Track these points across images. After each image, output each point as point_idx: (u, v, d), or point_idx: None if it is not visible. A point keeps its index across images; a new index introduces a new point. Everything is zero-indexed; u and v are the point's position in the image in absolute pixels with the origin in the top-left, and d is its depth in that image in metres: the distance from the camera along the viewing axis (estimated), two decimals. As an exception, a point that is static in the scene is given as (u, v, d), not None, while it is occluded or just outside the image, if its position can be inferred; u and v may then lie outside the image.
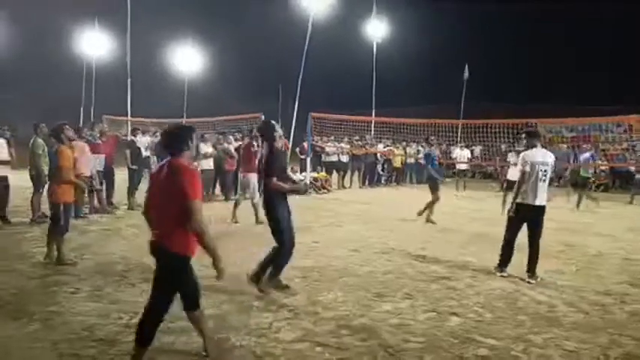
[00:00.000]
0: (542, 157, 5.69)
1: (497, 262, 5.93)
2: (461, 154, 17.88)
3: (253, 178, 8.64)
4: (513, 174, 11.26)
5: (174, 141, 3.19)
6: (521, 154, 5.88)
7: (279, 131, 4.99)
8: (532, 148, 5.77)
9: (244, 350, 3.62)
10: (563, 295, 5.13)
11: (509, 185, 11.13)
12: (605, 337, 4.06)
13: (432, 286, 5.32)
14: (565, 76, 30.91)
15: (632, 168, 16.50)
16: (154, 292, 3.26)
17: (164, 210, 3.13)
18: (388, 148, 17.85)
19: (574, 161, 15.86)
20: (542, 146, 5.92)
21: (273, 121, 5.30)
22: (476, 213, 10.98)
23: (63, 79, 26.53)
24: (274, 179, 4.73)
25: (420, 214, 9.43)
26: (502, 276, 5.78)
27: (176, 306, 3.34)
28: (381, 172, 17.70)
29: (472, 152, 19.21)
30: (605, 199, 12.66)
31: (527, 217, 5.68)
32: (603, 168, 18.13)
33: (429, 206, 9.39)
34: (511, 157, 12.60)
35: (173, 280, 3.22)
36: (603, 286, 5.51)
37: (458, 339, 3.94)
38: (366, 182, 17.02)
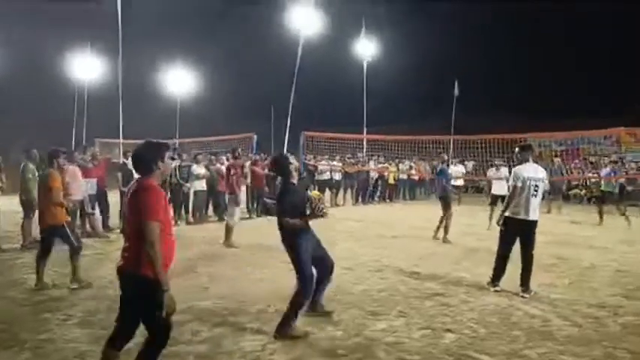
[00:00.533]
0: (534, 172, 5.73)
1: (491, 276, 5.94)
2: (455, 170, 17.91)
3: (232, 199, 8.83)
4: (497, 188, 11.42)
5: (142, 161, 3.05)
6: (513, 170, 5.93)
7: (294, 163, 4.66)
8: (524, 162, 5.81)
9: (238, 373, 3.59)
10: (556, 309, 5.14)
11: (494, 200, 11.27)
12: (600, 350, 4.07)
13: (426, 303, 5.32)
14: (554, 90, 31.43)
15: (622, 180, 16.66)
16: (121, 319, 3.11)
17: (131, 232, 3.01)
18: (382, 165, 17.93)
19: (568, 173, 16.09)
20: (534, 161, 5.97)
21: (286, 154, 5.11)
22: (468, 227, 11.00)
23: (55, 103, 26.55)
24: (287, 220, 4.37)
25: (435, 236, 9.35)
26: (495, 291, 5.79)
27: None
28: (374, 190, 17.73)
29: (465, 167, 19.31)
30: (595, 212, 12.73)
31: (519, 231, 5.72)
32: (594, 180, 18.28)
33: (442, 224, 9.33)
34: (490, 172, 12.76)
35: (140, 304, 3.00)
36: (597, 299, 5.53)
37: (453, 356, 3.93)
38: (359, 199, 17.05)
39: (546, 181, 5.82)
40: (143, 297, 2.93)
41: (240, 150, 10.25)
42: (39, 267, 5.81)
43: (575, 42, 31.68)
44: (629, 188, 14.89)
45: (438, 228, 9.42)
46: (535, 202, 5.66)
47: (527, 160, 5.80)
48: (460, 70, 23.27)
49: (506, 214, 5.76)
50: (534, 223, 5.69)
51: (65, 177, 8.55)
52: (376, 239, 9.36)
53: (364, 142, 19.51)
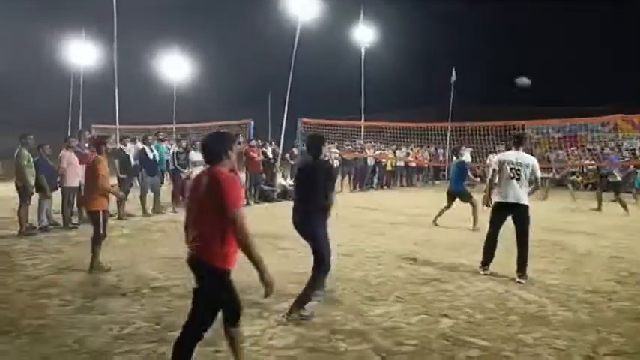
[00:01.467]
0: (515, 157, 5.87)
1: (481, 260, 6.04)
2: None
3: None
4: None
5: (212, 150, 3.03)
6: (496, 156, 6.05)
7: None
8: (509, 150, 6.03)
9: (237, 358, 3.62)
10: (551, 294, 5.19)
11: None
12: (594, 335, 4.12)
13: (423, 289, 5.36)
14: (553, 78, 31.38)
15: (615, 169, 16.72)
16: (194, 309, 3.04)
17: (203, 222, 2.96)
18: (381, 151, 17.93)
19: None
20: (526, 150, 6.10)
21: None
22: (465, 214, 11.05)
23: (50, 90, 26.35)
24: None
25: (435, 222, 9.52)
26: (485, 274, 5.91)
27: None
28: (371, 177, 17.75)
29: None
30: (592, 198, 12.79)
31: (505, 214, 5.88)
32: (590, 167, 18.34)
33: (442, 212, 9.53)
34: (490, 159, 12.88)
35: (214, 294, 3.01)
36: (591, 285, 5.58)
37: (449, 340, 3.97)
38: (357, 186, 17.08)
39: (536, 169, 5.89)
40: (215, 285, 2.97)
41: (240, 137, 10.20)
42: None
43: (574, 30, 31.64)
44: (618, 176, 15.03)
45: (439, 215, 9.54)
46: (516, 185, 5.76)
47: (513, 148, 6.00)
48: (458, 57, 23.15)
49: (494, 198, 5.97)
50: (520, 206, 5.77)
51: (62, 163, 8.58)
52: (374, 226, 9.39)
53: (362, 129, 19.49)
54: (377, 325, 4.27)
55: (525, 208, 5.79)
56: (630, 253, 7.21)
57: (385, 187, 18.08)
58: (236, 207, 2.86)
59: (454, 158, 9.97)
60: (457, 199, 9.48)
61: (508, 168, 5.80)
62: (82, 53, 21.40)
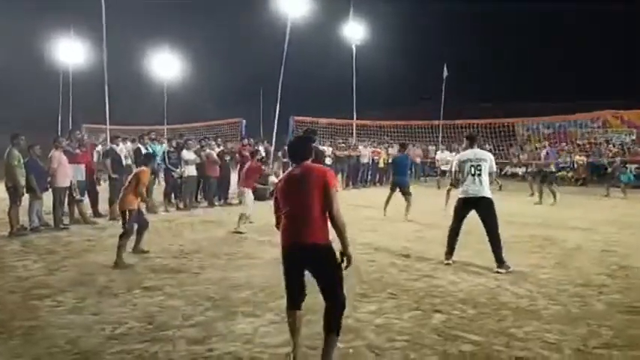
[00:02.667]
0: (473, 155, 6.28)
1: (445, 251, 6.34)
2: (442, 157, 17.88)
3: (249, 192, 8.82)
4: None
5: (302, 150, 3.61)
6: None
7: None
8: (467, 149, 6.48)
9: (231, 357, 3.62)
10: (543, 289, 5.24)
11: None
12: (584, 328, 4.17)
13: (416, 285, 5.38)
14: (542, 74, 31.52)
15: (605, 160, 16.94)
16: (329, 290, 3.39)
17: (308, 207, 3.37)
18: (374, 149, 17.97)
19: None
20: (480, 147, 6.74)
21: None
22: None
23: (38, 89, 26.07)
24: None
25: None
26: (447, 264, 6.20)
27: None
28: (363, 174, 17.78)
29: (455, 152, 19.33)
30: (583, 193, 12.91)
31: (469, 209, 6.21)
32: (580, 162, 18.54)
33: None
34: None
35: (335, 265, 3.39)
36: (582, 279, 5.64)
37: (442, 336, 4.00)
38: (350, 184, 17.10)
39: (493, 164, 6.30)
40: (329, 260, 3.38)
41: (255, 147, 10.31)
42: (137, 238, 6.80)
43: (565, 26, 31.76)
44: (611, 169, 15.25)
45: (387, 204, 10.18)
46: (478, 180, 6.10)
47: (469, 148, 6.45)
48: (450, 54, 23.18)
49: (458, 195, 6.34)
50: (484, 200, 6.10)
51: (52, 163, 8.51)
52: (366, 223, 9.42)
53: (354, 127, 19.51)
54: (370, 322, 4.29)
55: (489, 200, 6.12)
56: (621, 247, 7.28)
57: (378, 184, 18.12)
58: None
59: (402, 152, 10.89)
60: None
61: (468, 165, 6.17)
62: (71, 52, 21.21)
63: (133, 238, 6.74)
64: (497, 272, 5.81)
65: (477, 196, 6.10)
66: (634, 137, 20.24)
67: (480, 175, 6.11)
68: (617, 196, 13.79)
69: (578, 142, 21.22)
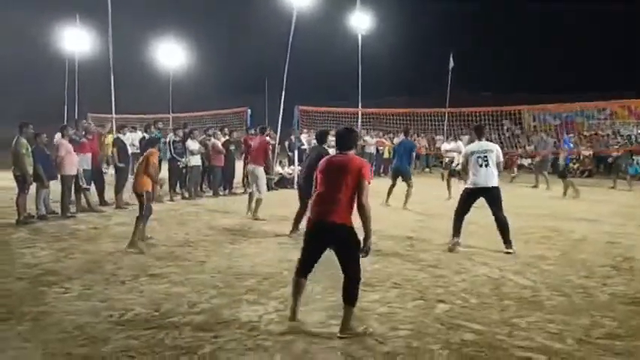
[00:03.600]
0: (479, 147, 6.52)
1: (452, 233, 6.59)
2: (448, 148, 17.73)
3: (262, 171, 8.84)
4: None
5: (348, 141, 3.98)
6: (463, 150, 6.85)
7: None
8: (473, 142, 6.73)
9: (236, 343, 3.67)
10: (546, 280, 5.25)
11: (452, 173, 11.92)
12: (587, 319, 4.18)
13: (420, 275, 5.41)
14: (552, 65, 31.29)
15: (615, 153, 16.79)
16: (346, 266, 3.79)
17: (338, 191, 3.77)
18: (379, 139, 17.90)
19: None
20: (487, 140, 6.90)
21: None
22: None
23: (45, 78, 26.14)
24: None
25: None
26: (455, 243, 6.47)
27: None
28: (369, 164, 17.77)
29: (462, 142, 19.10)
30: (590, 185, 12.83)
31: (476, 197, 6.49)
32: (587, 154, 18.39)
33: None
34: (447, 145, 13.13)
35: (355, 246, 3.81)
36: (586, 270, 5.64)
37: (444, 325, 4.03)
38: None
39: (499, 154, 6.54)
40: (350, 239, 3.78)
41: (269, 128, 10.36)
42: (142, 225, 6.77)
43: (570, 17, 31.46)
44: (619, 161, 15.12)
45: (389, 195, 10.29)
46: (485, 170, 6.35)
47: (476, 139, 6.69)
48: (456, 44, 23.00)
49: (467, 184, 6.59)
50: (491, 189, 6.38)
51: (60, 152, 8.57)
52: (371, 213, 9.42)
53: (359, 117, 19.41)
54: (373, 311, 4.32)
55: (496, 188, 6.41)
56: (626, 239, 7.27)
57: (382, 174, 18.11)
58: (368, 182, 3.81)
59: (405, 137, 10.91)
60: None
61: (475, 157, 6.42)
62: (76, 40, 21.19)
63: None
64: (507, 253, 6.16)
65: (486, 186, 6.34)
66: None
67: (487, 165, 6.34)
68: (622, 188, 13.71)
69: (585, 133, 21.04)
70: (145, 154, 7.06)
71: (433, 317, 4.19)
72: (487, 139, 6.95)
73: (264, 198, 8.72)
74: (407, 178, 10.09)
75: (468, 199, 6.53)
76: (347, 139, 3.99)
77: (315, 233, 3.90)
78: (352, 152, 3.97)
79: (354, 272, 3.77)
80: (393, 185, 10.31)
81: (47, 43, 23.63)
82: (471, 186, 6.45)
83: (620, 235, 7.60)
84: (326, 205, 3.81)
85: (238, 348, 3.60)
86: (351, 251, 3.78)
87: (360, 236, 3.82)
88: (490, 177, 6.35)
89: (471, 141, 6.77)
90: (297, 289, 4.00)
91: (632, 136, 19.88)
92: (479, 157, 6.38)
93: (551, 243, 7.04)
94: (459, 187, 11.01)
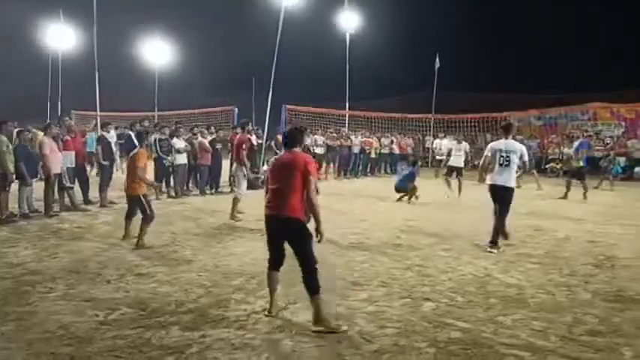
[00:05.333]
0: (505, 145, 6.58)
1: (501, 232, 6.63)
2: (445, 145, 17.78)
3: (240, 170, 8.71)
4: (454, 161, 12.03)
5: (294, 139, 4.19)
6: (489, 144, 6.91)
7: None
8: (500, 139, 6.79)
9: (223, 343, 3.66)
10: (531, 278, 5.33)
11: (449, 171, 12.10)
12: (570, 316, 4.26)
13: (407, 274, 5.45)
14: (533, 65, 31.68)
15: (597, 154, 17.10)
16: (301, 257, 3.97)
17: (285, 186, 3.99)
18: (366, 139, 17.94)
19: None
20: (513, 138, 6.92)
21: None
22: (444, 201, 11.22)
23: (27, 74, 25.71)
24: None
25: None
26: (506, 241, 6.65)
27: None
28: (355, 164, 17.77)
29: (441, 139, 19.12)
30: (574, 185, 13.01)
31: (494, 194, 6.57)
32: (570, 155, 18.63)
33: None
34: (452, 145, 13.12)
35: (306, 237, 4.01)
36: (569, 268, 5.74)
37: (432, 323, 4.06)
38: (342, 174, 17.12)
39: (524, 154, 6.60)
40: (300, 232, 3.98)
41: (250, 125, 10.21)
42: (126, 225, 6.84)
43: (553, 18, 31.86)
44: (604, 163, 15.34)
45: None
46: (505, 171, 6.47)
47: (503, 137, 6.76)
48: (443, 45, 23.18)
49: (487, 181, 6.68)
50: (505, 188, 6.48)
51: (44, 150, 8.43)
52: (358, 212, 9.47)
53: (346, 117, 19.49)
54: (361, 309, 4.35)
55: (510, 189, 6.54)
56: (608, 238, 7.41)
57: (369, 174, 18.18)
58: (313, 176, 4.00)
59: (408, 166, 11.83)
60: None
61: (498, 155, 6.51)
62: (60, 36, 20.87)
63: (122, 224, 6.85)
64: (488, 252, 6.31)
65: (502, 185, 6.50)
66: (623, 130, 20.41)
67: (507, 165, 6.48)
68: (605, 188, 13.98)
69: (568, 134, 21.36)
70: (131, 154, 6.89)
71: (420, 315, 4.23)
72: (513, 138, 6.97)
73: (240, 197, 8.59)
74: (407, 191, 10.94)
75: (492, 196, 6.66)
76: (294, 138, 4.23)
77: (271, 227, 4.14)
78: (298, 150, 4.18)
79: (309, 262, 3.94)
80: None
81: (30, 39, 23.23)
82: (490, 182, 6.62)
83: (602, 234, 7.75)
84: (278, 200, 4.04)
85: (226, 347, 3.59)
86: (303, 242, 3.97)
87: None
88: (507, 177, 6.50)
89: (498, 138, 7.10)
90: (270, 281, 4.18)
91: (614, 138, 20.25)
92: (502, 155, 6.51)
93: (535, 242, 7.14)
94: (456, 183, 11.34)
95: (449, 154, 12.59)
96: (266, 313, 4.16)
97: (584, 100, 20.46)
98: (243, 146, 8.87)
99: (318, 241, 4.02)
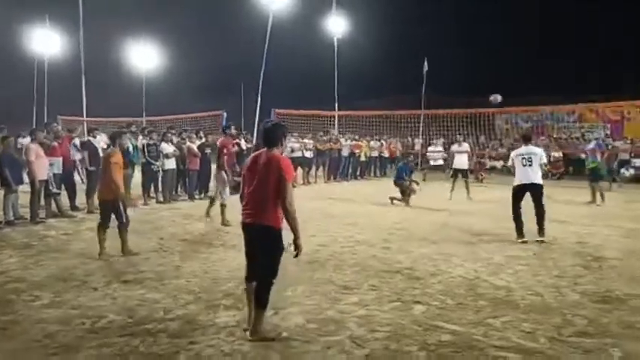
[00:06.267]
0: (525, 150, 7.50)
1: (515, 232, 7.29)
2: (434, 150, 17.75)
3: (222, 174, 8.62)
4: (458, 163, 12.06)
5: (273, 137, 3.78)
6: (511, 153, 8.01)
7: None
8: (521, 147, 7.68)
9: (213, 349, 3.62)
10: (520, 280, 5.36)
11: (455, 173, 11.92)
12: (559, 318, 4.28)
13: (397, 277, 5.44)
14: (520, 67, 32.04)
15: (583, 155, 17.22)
16: (261, 268, 3.73)
17: (262, 192, 3.68)
18: (355, 142, 17.94)
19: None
20: (534, 144, 8.03)
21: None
22: (435, 203, 11.27)
23: (13, 79, 25.40)
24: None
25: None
26: (522, 242, 7.13)
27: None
28: (344, 167, 17.77)
29: (435, 144, 19.13)
30: (559, 186, 13.16)
31: (524, 192, 7.37)
32: (557, 155, 18.86)
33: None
34: (453, 147, 13.11)
35: (276, 248, 3.70)
36: (558, 270, 5.78)
37: (422, 326, 4.06)
38: (331, 177, 17.10)
39: (543, 156, 7.61)
40: (270, 243, 3.68)
41: (233, 128, 10.06)
42: (101, 238, 6.21)
43: (541, 20, 32.28)
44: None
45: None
46: (529, 170, 7.34)
47: (523, 145, 7.65)
48: (430, 49, 23.34)
49: (514, 182, 7.49)
50: (534, 185, 7.31)
51: (30, 156, 8.31)
52: (348, 216, 9.46)
53: (336, 120, 19.51)
54: (351, 313, 4.33)
55: (539, 185, 7.33)
56: (596, 240, 7.47)
57: (359, 178, 18.19)
58: (289, 180, 3.66)
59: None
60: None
61: (520, 158, 7.43)
62: (46, 41, 20.66)
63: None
64: (541, 241, 7.04)
65: (530, 182, 7.30)
66: (608, 132, 20.67)
67: (531, 165, 7.36)
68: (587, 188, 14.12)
69: (554, 136, 21.62)
70: (104, 155, 6.49)
71: (411, 319, 4.22)
72: (534, 144, 8.01)
73: (226, 203, 8.49)
74: (404, 188, 11.13)
75: (516, 194, 7.41)
76: (272, 135, 3.80)
77: (247, 235, 3.85)
78: (277, 151, 3.76)
79: (269, 274, 3.68)
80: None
81: (15, 44, 22.96)
82: (517, 183, 7.42)
83: (590, 235, 7.81)
84: (253, 207, 3.74)
85: (215, 354, 3.55)
86: (272, 253, 3.68)
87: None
88: (533, 175, 7.32)
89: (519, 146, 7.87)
90: (248, 294, 3.84)
91: (600, 139, 20.47)
92: (523, 158, 7.39)
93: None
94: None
95: (451, 157, 12.73)
96: (244, 327, 3.85)
97: (569, 102, 20.65)
98: (225, 150, 8.78)
99: (295, 256, 3.67)
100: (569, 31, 30.81)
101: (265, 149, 3.79)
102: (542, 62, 31.28)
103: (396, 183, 11.41)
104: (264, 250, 3.72)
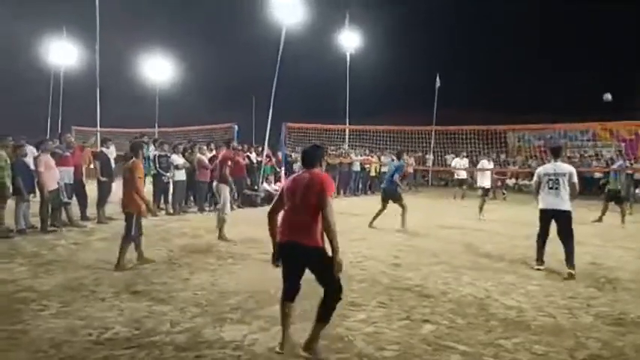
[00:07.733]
0: (552, 169, 6.57)
1: (535, 258, 6.70)
2: (460, 163, 17.67)
3: (225, 189, 8.49)
4: (483, 181, 11.84)
5: (314, 157, 3.92)
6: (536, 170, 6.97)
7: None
8: (550, 162, 6.73)
9: (218, 364, 3.58)
10: (532, 300, 5.25)
11: (485, 192, 11.70)
12: (572, 340, 4.18)
13: (406, 294, 5.37)
14: (534, 85, 31.89)
15: (598, 174, 17.04)
16: (321, 281, 3.69)
17: (306, 210, 3.68)
18: (365, 157, 17.93)
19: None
20: (562, 161, 6.89)
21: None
22: (445, 220, 11.16)
23: (28, 90, 25.86)
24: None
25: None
26: (538, 269, 6.53)
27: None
28: (355, 182, 17.75)
29: (461, 156, 18.73)
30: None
31: (549, 218, 6.56)
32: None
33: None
34: (481, 164, 12.90)
35: (327, 265, 3.65)
36: (571, 291, 5.66)
37: (431, 346, 3.99)
38: (341, 192, 17.07)
39: (573, 176, 6.50)
40: (322, 261, 3.65)
41: (234, 142, 10.09)
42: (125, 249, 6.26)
43: (553, 40, 32.22)
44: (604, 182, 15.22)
45: (375, 218, 9.92)
46: (555, 194, 6.45)
47: (552, 160, 6.69)
48: (443, 64, 23.42)
49: (539, 205, 6.68)
50: (560, 212, 6.45)
51: (39, 167, 8.40)
52: (357, 231, 9.40)
53: (346, 134, 19.51)
54: (359, 331, 4.27)
55: (565, 212, 6.46)
56: (609, 260, 7.33)
57: (369, 193, 18.13)
58: (330, 198, 3.68)
59: (394, 160, 10.61)
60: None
61: (546, 179, 6.53)
62: (63, 53, 21.04)
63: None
64: (570, 274, 6.17)
65: (555, 209, 6.47)
66: (622, 150, 20.40)
67: (557, 188, 6.45)
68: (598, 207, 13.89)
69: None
70: (126, 165, 6.48)
71: (419, 338, 4.15)
72: (562, 161, 6.91)
73: (227, 217, 8.35)
74: (396, 200, 9.79)
75: (543, 220, 6.65)
76: (312, 155, 3.93)
77: (287, 254, 3.77)
78: (317, 170, 3.86)
79: (334, 291, 3.68)
80: (382, 209, 9.95)
81: (33, 55, 23.42)
82: (542, 207, 6.63)
83: (603, 256, 7.67)
84: (295, 226, 3.72)
85: (221, 369, 3.51)
86: (324, 271, 3.65)
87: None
88: (559, 201, 6.45)
89: (548, 162, 6.90)
90: (283, 314, 3.84)
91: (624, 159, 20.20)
92: (550, 179, 6.51)
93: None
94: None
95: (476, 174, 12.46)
96: (277, 349, 3.77)
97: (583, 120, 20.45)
98: (229, 163, 8.66)
99: (334, 272, 3.62)
100: (587, 46, 30.65)
101: (305, 169, 3.90)
102: (554, 82, 31.12)
103: (385, 192, 9.99)
104: (320, 271, 3.68)
